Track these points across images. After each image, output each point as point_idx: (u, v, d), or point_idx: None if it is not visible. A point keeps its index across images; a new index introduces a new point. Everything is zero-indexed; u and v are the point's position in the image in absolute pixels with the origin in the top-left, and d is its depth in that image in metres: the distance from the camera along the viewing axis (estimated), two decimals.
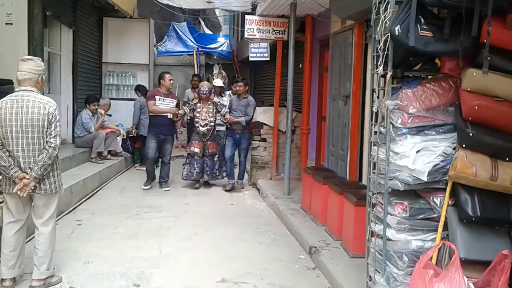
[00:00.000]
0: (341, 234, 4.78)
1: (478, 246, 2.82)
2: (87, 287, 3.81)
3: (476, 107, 2.76)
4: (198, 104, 7.62)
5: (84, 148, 8.45)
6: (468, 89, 2.78)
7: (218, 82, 9.23)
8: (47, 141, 3.58)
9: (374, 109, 3.19)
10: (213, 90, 7.91)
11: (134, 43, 12.14)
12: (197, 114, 7.57)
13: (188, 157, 7.72)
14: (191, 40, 15.17)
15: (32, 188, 3.58)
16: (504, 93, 2.75)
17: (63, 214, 5.73)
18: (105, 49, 11.75)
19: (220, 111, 7.66)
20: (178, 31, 15.31)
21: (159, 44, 15.00)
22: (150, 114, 7.50)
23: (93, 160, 8.37)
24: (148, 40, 12.56)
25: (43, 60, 3.91)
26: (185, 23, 15.59)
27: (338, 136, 6.54)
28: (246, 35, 7.77)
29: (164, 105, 7.43)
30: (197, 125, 7.57)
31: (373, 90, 3.26)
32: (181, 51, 14.85)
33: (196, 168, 7.62)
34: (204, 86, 7.68)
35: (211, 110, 7.60)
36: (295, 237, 5.28)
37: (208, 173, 7.75)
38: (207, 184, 8.01)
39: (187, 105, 7.87)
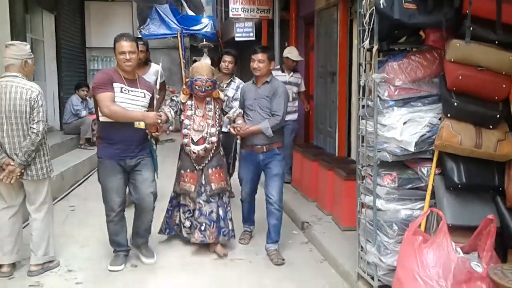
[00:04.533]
0: (332, 209, 4.88)
1: (465, 212, 2.92)
2: (85, 270, 3.86)
3: (460, 77, 2.82)
4: (189, 103, 4.05)
5: (73, 134, 8.42)
6: (452, 60, 2.84)
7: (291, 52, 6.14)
8: (30, 127, 3.58)
9: (362, 83, 3.25)
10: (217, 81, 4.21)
11: (117, 27, 11.95)
12: (186, 122, 4.01)
13: (176, 198, 4.26)
14: (174, 22, 14.99)
15: (19, 174, 3.59)
16: (486, 62, 2.81)
17: (56, 200, 5.74)
18: (88, 33, 11.61)
19: (227, 113, 4.16)
20: (161, 13, 15.10)
21: (142, 27, 14.83)
22: (102, 120, 3.73)
23: (82, 146, 8.36)
24: (132, 23, 12.43)
25: None
26: (167, 5, 15.39)
27: (326, 113, 6.61)
28: (231, 14, 7.76)
29: (130, 101, 3.72)
30: (185, 140, 4.01)
31: (359, 64, 3.31)
32: (164, 33, 14.67)
33: (185, 221, 4.17)
34: (203, 72, 3.95)
35: (211, 114, 4.04)
36: (287, 214, 5.36)
37: (199, 226, 4.02)
38: (207, 248, 4.19)
39: (170, 103, 4.12)
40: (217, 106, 4.09)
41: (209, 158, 4.04)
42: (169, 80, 10.67)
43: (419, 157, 3.05)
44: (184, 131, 4.00)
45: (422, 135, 2.98)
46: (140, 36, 13.87)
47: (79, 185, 6.83)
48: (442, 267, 2.59)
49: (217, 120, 4.06)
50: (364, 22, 3.04)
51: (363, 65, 3.23)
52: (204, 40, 11.47)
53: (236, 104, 4.50)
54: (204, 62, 4.11)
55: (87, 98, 8.66)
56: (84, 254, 4.18)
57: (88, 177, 7.30)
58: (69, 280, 3.69)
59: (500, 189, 2.93)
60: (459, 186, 2.90)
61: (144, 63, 5.19)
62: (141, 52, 4.61)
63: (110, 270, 3.82)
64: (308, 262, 4.07)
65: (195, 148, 3.97)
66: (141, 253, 4.04)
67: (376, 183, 3.12)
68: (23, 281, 3.66)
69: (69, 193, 6.35)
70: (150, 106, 3.89)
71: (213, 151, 4.03)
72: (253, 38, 8.26)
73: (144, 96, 3.81)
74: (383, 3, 2.77)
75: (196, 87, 3.92)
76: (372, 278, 3.20)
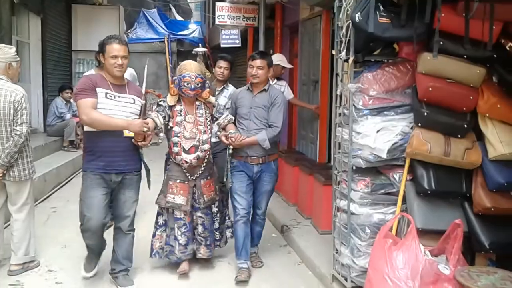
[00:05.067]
0: (311, 213, 5.01)
1: (434, 217, 3.05)
2: (65, 270, 3.91)
3: (430, 89, 2.97)
4: (178, 108, 3.72)
5: (56, 136, 8.43)
6: (423, 72, 2.99)
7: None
8: (13, 129, 3.63)
9: (338, 92, 3.39)
10: (208, 81, 4.03)
11: (104, 31, 11.88)
12: (176, 129, 3.70)
13: (163, 215, 3.87)
14: (162, 27, 15.10)
15: (1, 175, 3.64)
16: (455, 75, 2.96)
17: (38, 202, 5.77)
18: (74, 36, 11.63)
19: (217, 119, 3.89)
20: (149, 17, 15.21)
21: (129, 31, 14.88)
22: (87, 129, 3.44)
23: (66, 148, 8.37)
24: (119, 27, 12.47)
25: None
26: (155, 10, 15.50)
27: (308, 120, 6.75)
28: (217, 21, 7.86)
29: (117, 108, 3.40)
30: (175, 149, 3.69)
31: (337, 74, 3.44)
32: (152, 38, 14.78)
33: (180, 237, 3.76)
34: (191, 68, 3.67)
35: (202, 120, 3.76)
36: (267, 218, 5.46)
37: (205, 241, 3.87)
38: (201, 262, 4.05)
39: (156, 108, 3.76)
40: (207, 111, 3.82)
41: (202, 168, 3.75)
42: (155, 84, 10.70)
43: (392, 163, 3.18)
44: (174, 139, 3.67)
45: (395, 143, 3.11)
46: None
47: (61, 187, 6.85)
48: (411, 268, 2.70)
49: (209, 126, 3.80)
50: (341, 34, 3.18)
51: (340, 75, 3.37)
52: (200, 45, 11.26)
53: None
54: (192, 61, 3.83)
55: (71, 100, 8.69)
56: (64, 254, 4.24)
57: (71, 179, 7.32)
58: (49, 280, 3.74)
59: (468, 195, 3.06)
60: (429, 192, 3.03)
61: None
62: None
63: (85, 277, 3.67)
64: (286, 264, 4.18)
65: (187, 157, 3.65)
66: (116, 282, 3.58)
67: (351, 188, 3.24)
68: (3, 280, 3.70)
69: (51, 194, 6.37)
70: (140, 115, 3.48)
71: (205, 159, 3.75)
72: (239, 45, 8.38)
73: (134, 102, 3.45)
74: (358, 17, 2.91)
75: (185, 84, 3.61)
76: (346, 280, 3.32)
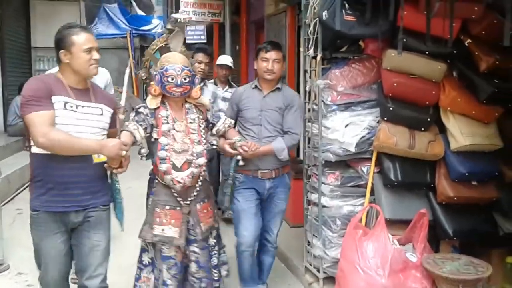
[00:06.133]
0: None
1: (401, 207, 3.18)
2: (36, 272, 3.83)
3: (395, 84, 3.08)
4: (163, 114, 2.83)
5: (18, 136, 8.18)
6: (388, 68, 3.10)
7: (224, 59, 4.92)
8: None
9: (307, 89, 3.47)
10: (198, 76, 3.44)
11: None
12: (163, 140, 2.78)
13: (148, 251, 2.91)
14: (123, 22, 14.79)
15: None
16: (418, 70, 3.08)
17: (2, 204, 5.60)
18: (33, 33, 11.29)
19: (214, 124, 3.04)
20: (109, 13, 14.85)
21: (90, 26, 14.53)
22: (35, 152, 2.46)
23: (28, 148, 8.12)
24: (79, 23, 12.16)
25: None
26: (116, 4, 15.16)
27: None
28: (182, 17, 7.81)
29: (80, 123, 2.44)
30: (163, 167, 2.75)
31: (305, 71, 3.52)
32: (113, 33, 14.44)
33: (170, 281, 2.83)
34: (175, 60, 2.81)
35: (194, 127, 2.88)
36: None
37: (199, 283, 2.93)
38: None
39: (135, 117, 2.78)
40: (200, 116, 2.92)
41: (197, 188, 2.82)
42: (118, 81, 10.53)
43: (360, 157, 3.29)
44: (161, 153, 2.73)
45: (362, 137, 3.22)
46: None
47: (26, 188, 6.67)
48: (380, 257, 2.81)
49: (203, 135, 2.89)
50: (309, 31, 3.26)
51: (308, 71, 3.44)
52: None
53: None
54: (178, 54, 2.89)
55: None
56: (33, 257, 4.14)
57: None
58: (20, 283, 3.68)
59: (432, 185, 3.21)
60: (395, 183, 3.15)
61: None
62: None
63: None
64: None
65: (179, 176, 2.73)
66: None
67: (321, 181, 3.34)
68: None
69: (15, 196, 6.21)
70: (112, 127, 2.60)
71: (200, 177, 2.84)
72: (205, 41, 8.36)
73: (102, 114, 2.51)
74: (325, 15, 2.99)
75: (169, 79, 2.72)
76: (318, 271, 3.41)
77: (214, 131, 3.01)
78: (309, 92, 3.44)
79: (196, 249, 2.86)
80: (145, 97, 10.36)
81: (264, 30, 7.27)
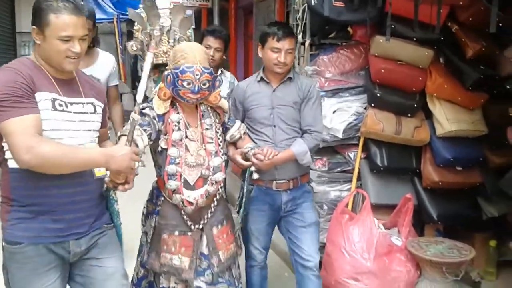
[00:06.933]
0: None
1: (386, 192, 3.23)
2: None
3: (383, 70, 3.11)
4: (174, 118, 2.22)
5: None
6: (376, 54, 3.12)
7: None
8: None
9: None
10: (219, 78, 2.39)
11: None
12: (174, 152, 2.18)
13: (148, 276, 2.40)
14: (110, 6, 14.59)
15: None
16: (405, 57, 3.11)
17: None
18: (18, 18, 11.08)
19: (228, 129, 2.43)
20: None
21: (82, 3, 14.29)
22: (13, 167, 1.71)
23: None
24: None
25: None
26: None
27: None
28: (169, 2, 7.73)
29: (69, 126, 1.79)
30: (172, 185, 2.17)
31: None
32: (100, 18, 14.13)
33: None
34: (194, 58, 2.15)
35: (211, 134, 2.29)
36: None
37: None
38: None
39: (138, 122, 1.96)
40: (217, 121, 2.37)
41: (212, 209, 2.29)
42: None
43: (347, 143, 3.33)
44: (171, 168, 2.18)
45: (349, 123, 3.25)
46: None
47: None
48: (366, 242, 2.85)
49: (221, 144, 2.33)
50: (297, 17, 3.26)
51: (297, 57, 3.44)
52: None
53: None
54: (196, 44, 2.36)
55: None
56: None
57: None
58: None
59: (417, 171, 3.26)
60: (382, 168, 3.20)
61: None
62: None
63: None
64: None
65: (191, 196, 2.21)
66: None
67: None
68: None
69: None
70: (102, 126, 2.02)
71: (217, 195, 2.31)
72: (193, 26, 8.29)
73: (95, 111, 1.92)
74: (314, 1, 3.00)
75: (185, 84, 2.14)
76: None
77: (228, 137, 2.43)
78: None
79: (202, 285, 2.26)
80: (136, 83, 10.20)
81: (253, 15, 7.23)
